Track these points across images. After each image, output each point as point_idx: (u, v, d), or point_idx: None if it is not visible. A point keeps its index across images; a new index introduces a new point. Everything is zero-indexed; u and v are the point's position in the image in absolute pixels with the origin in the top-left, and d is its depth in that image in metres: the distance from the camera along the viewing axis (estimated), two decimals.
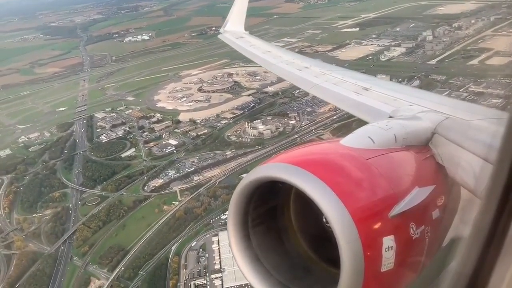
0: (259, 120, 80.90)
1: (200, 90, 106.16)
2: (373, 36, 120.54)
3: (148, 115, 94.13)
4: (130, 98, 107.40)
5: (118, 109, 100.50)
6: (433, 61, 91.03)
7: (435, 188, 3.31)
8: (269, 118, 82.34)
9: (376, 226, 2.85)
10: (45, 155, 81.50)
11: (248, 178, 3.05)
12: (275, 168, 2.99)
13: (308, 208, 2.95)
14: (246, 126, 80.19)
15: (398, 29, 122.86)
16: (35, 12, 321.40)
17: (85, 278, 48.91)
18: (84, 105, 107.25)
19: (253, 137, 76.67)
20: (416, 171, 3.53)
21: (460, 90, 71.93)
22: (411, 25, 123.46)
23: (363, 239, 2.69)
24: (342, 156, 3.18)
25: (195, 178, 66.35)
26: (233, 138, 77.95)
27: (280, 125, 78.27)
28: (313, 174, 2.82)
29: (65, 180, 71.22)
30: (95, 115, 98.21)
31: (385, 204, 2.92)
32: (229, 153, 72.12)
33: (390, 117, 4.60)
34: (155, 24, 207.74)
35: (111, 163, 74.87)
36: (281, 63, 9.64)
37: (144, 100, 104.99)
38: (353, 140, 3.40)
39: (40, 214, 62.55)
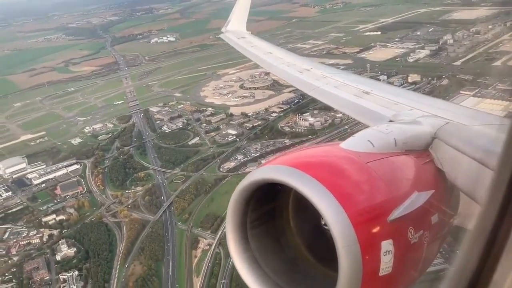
0: (308, 113, 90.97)
1: (242, 87, 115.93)
2: (397, 39, 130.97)
3: (200, 109, 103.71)
4: (178, 94, 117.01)
5: (170, 104, 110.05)
6: (458, 62, 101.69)
7: (435, 193, 3.33)
8: (315, 111, 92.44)
9: (375, 230, 2.85)
10: (116, 143, 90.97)
11: (247, 180, 3.07)
12: (275, 170, 3.02)
13: (307, 211, 2.96)
14: (296, 118, 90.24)
15: (418, 33, 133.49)
16: (47, 13, 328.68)
17: (193, 238, 58.67)
18: (135, 100, 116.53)
19: (305, 128, 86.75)
20: (415, 175, 3.54)
21: (489, 88, 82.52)
22: (430, 30, 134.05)
23: (362, 243, 2.70)
24: (341, 159, 3.20)
25: (263, 161, 76.27)
26: (287, 128, 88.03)
27: (328, 117, 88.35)
28: (312, 177, 2.84)
29: (144, 163, 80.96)
30: (150, 109, 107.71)
31: (384, 208, 2.94)
32: (287, 141, 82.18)
33: (391, 121, 4.66)
34: (175, 26, 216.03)
35: (181, 149, 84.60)
36: (282, 64, 9.74)
37: (191, 96, 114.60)
38: (353, 143, 3.43)
39: (133, 190, 72.19)
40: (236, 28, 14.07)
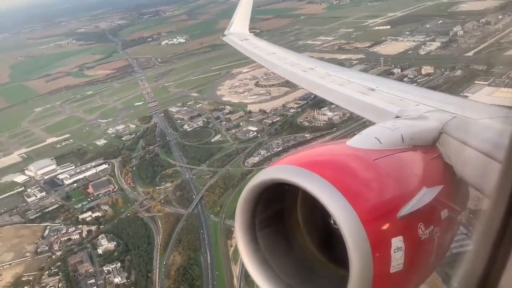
0: (326, 108, 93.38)
1: (257, 85, 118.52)
2: (407, 32, 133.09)
3: (219, 108, 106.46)
4: (195, 94, 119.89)
5: (188, 103, 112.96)
6: (470, 53, 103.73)
7: (443, 188, 3.32)
8: (333, 106, 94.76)
9: (384, 227, 2.86)
10: (140, 142, 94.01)
11: (255, 180, 3.09)
12: (282, 170, 3.03)
13: (316, 210, 3.03)
14: (315, 113, 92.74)
15: (428, 26, 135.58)
16: (54, 20, 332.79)
17: (227, 229, 61.38)
18: (154, 101, 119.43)
19: (324, 122, 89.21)
20: (423, 171, 3.53)
21: (503, 77, 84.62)
22: (439, 22, 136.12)
23: (372, 240, 2.71)
24: (349, 157, 3.23)
25: (291, 152, 78.85)
26: (306, 123, 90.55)
27: (347, 111, 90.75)
28: (320, 176, 2.85)
29: (170, 160, 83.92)
30: (169, 109, 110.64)
31: (393, 204, 2.95)
32: (308, 135, 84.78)
33: (397, 117, 4.69)
34: (184, 27, 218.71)
35: (204, 147, 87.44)
36: (286, 64, 9.77)
37: (208, 96, 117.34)
38: (359, 141, 3.45)
39: (163, 187, 75.13)
40: (239, 30, 14.16)
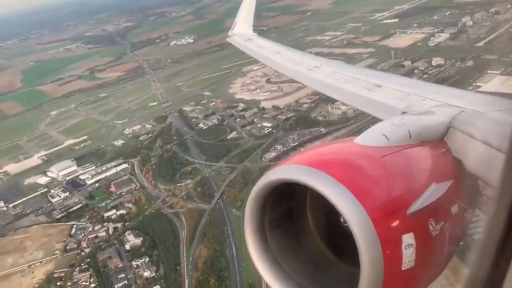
0: (339, 102, 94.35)
1: (268, 82, 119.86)
2: (415, 25, 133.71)
3: (232, 106, 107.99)
4: (207, 93, 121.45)
5: (201, 102, 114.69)
6: (481, 43, 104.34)
7: (453, 183, 3.32)
8: None
9: (395, 224, 2.86)
10: (157, 141, 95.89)
11: (264, 181, 3.09)
12: (290, 170, 3.03)
13: (325, 209, 2.99)
14: (328, 107, 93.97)
15: (436, 17, 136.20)
16: (60, 24, 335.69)
17: None
18: (167, 101, 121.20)
19: (338, 116, 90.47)
20: (432, 166, 3.53)
21: None
22: (447, 13, 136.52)
23: (382, 238, 2.71)
24: (357, 155, 3.22)
25: (302, 150, 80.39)
26: (320, 118, 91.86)
27: None
28: (329, 175, 2.85)
29: (189, 158, 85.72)
30: (183, 108, 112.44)
31: (402, 201, 2.96)
32: (323, 130, 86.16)
33: (404, 113, 4.70)
34: (191, 28, 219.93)
35: (221, 144, 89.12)
36: (291, 63, 9.78)
37: (221, 94, 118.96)
38: (367, 138, 3.44)
39: (183, 183, 76.95)
40: (242, 31, 14.11)
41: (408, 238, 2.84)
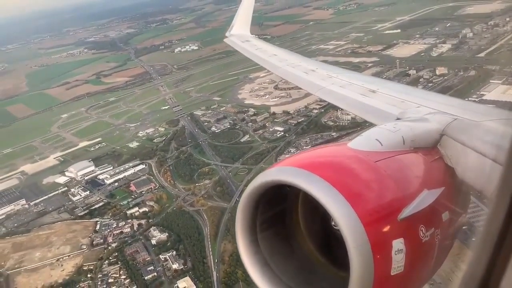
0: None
1: (277, 88, 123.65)
2: (417, 35, 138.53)
3: (243, 110, 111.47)
4: (217, 98, 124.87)
5: (212, 107, 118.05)
6: (482, 54, 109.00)
7: (445, 190, 3.34)
8: None
9: (385, 229, 2.87)
10: (172, 144, 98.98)
11: (256, 182, 3.09)
12: (283, 172, 3.04)
13: (317, 212, 3.01)
14: (338, 112, 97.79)
15: (437, 28, 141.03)
16: (61, 29, 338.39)
17: None
18: (178, 105, 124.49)
19: (348, 121, 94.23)
20: (424, 173, 3.55)
21: None
22: (447, 25, 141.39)
23: (372, 242, 2.71)
24: (350, 159, 3.23)
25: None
26: (330, 123, 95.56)
27: None
28: (321, 177, 2.86)
29: (205, 159, 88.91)
30: (194, 112, 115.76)
31: (393, 207, 2.97)
32: (334, 134, 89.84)
33: (398, 119, 4.74)
34: (194, 35, 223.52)
35: (235, 146, 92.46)
36: (287, 66, 9.85)
37: (230, 99, 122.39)
38: (360, 142, 3.48)
39: (202, 183, 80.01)
40: (240, 32, 14.23)
41: (398, 244, 2.87)
